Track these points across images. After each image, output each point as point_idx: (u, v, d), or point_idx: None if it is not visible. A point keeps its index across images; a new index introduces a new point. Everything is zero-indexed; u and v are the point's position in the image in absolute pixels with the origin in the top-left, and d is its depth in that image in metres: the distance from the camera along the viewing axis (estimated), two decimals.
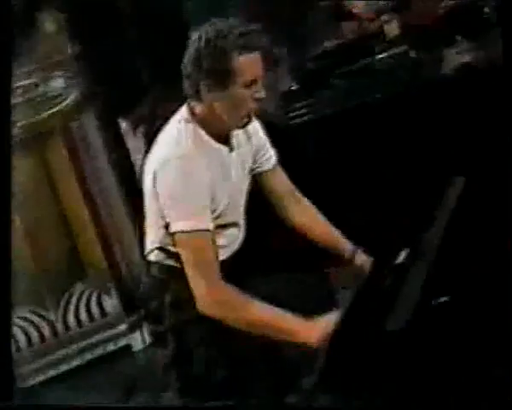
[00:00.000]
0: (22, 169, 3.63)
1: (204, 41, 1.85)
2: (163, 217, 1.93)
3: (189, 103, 1.96)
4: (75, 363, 3.66)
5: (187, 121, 1.93)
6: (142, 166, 2.08)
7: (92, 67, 3.71)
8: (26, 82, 3.62)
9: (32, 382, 3.62)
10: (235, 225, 2.07)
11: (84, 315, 3.76)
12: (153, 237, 2.05)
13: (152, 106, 4.02)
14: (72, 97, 3.67)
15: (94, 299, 3.78)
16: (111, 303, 3.77)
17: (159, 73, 3.98)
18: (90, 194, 3.73)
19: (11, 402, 1.73)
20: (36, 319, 3.70)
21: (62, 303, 3.74)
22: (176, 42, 4.19)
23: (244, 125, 1.95)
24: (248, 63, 1.82)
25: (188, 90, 1.91)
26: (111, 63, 3.73)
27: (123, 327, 3.73)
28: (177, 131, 1.94)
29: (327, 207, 2.19)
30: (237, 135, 2.01)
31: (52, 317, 3.72)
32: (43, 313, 3.71)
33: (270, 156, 2.13)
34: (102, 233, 3.76)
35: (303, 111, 3.54)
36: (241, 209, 2.09)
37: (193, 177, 1.85)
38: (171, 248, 1.99)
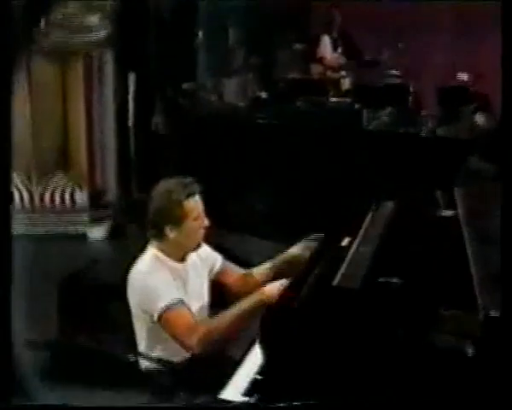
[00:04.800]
0: (44, 71, 4.25)
1: (163, 198, 2.24)
2: (146, 315, 2.22)
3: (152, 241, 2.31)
4: (41, 230, 4.25)
5: (152, 251, 2.29)
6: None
7: (123, 21, 4.40)
8: (68, 11, 4.23)
9: None
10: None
11: (57, 197, 4.33)
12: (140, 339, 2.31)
13: None
14: (101, 34, 4.29)
15: (69, 189, 4.36)
16: (81, 197, 4.36)
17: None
18: (90, 110, 4.34)
19: (11, 402, 1.63)
20: (20, 184, 4.25)
21: (43, 182, 4.31)
22: None
23: (196, 248, 2.32)
24: (194, 204, 2.24)
25: (154, 234, 2.28)
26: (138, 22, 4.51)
27: (85, 218, 4.33)
28: (145, 257, 2.29)
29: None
30: (192, 257, 2.35)
31: (33, 188, 4.29)
32: (27, 182, 4.27)
33: (217, 261, 2.47)
34: (91, 145, 4.37)
35: (267, 115, 4.42)
36: (204, 304, 2.39)
37: (158, 279, 2.21)
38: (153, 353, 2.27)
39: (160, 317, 2.17)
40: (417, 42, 4.73)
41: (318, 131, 4.18)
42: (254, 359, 1.94)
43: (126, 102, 4.62)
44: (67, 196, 4.37)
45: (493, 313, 1.44)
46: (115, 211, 4.38)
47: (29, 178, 4.30)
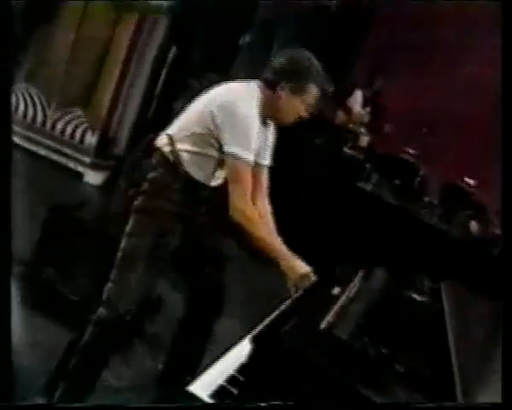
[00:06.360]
0: (98, 15, 4.36)
1: (310, 64, 2.15)
2: (213, 135, 2.08)
3: (260, 85, 2.17)
4: (42, 152, 4.33)
5: (257, 92, 2.14)
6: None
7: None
8: None
9: None
10: None
11: (69, 130, 4.37)
12: (175, 130, 2.14)
13: None
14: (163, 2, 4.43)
15: (82, 127, 4.40)
16: (90, 139, 4.39)
17: None
18: (127, 65, 4.42)
19: (11, 402, 1.59)
20: (37, 102, 4.32)
21: (61, 110, 4.34)
22: None
23: (278, 125, 2.22)
24: (316, 96, 2.14)
25: (270, 76, 2.15)
26: None
27: (87, 160, 4.36)
28: (250, 89, 2.15)
29: None
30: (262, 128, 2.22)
31: (49, 112, 4.34)
32: (46, 105, 4.35)
33: (267, 158, 2.34)
34: (116, 96, 4.41)
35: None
36: None
37: (255, 124, 2.09)
38: (180, 146, 2.11)
39: (229, 154, 2.05)
40: (440, 133, 4.94)
41: (326, 172, 4.32)
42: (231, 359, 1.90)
43: (161, 72, 4.68)
44: (78, 134, 4.39)
45: None
46: (117, 165, 4.43)
47: (49, 103, 4.31)
